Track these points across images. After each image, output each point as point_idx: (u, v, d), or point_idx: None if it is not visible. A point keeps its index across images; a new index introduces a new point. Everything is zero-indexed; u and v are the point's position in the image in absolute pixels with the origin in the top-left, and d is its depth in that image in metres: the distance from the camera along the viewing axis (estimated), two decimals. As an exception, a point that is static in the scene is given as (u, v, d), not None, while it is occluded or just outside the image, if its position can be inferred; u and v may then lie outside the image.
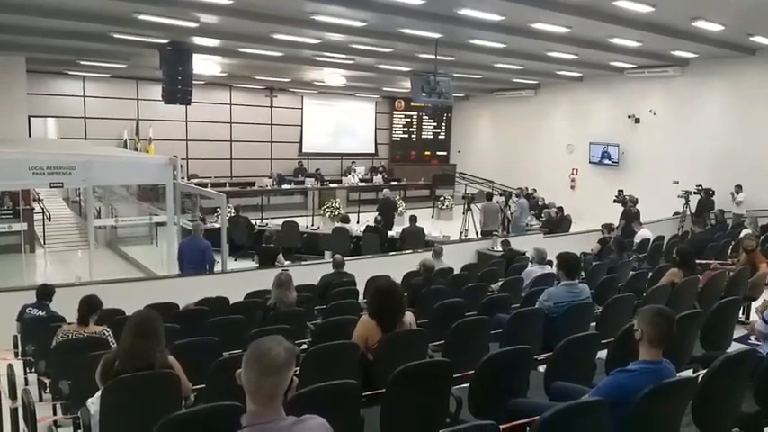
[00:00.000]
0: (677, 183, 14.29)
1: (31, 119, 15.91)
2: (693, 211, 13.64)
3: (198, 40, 12.40)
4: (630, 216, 12.02)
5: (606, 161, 17.46)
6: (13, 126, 13.99)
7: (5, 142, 11.56)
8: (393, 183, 21.24)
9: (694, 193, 13.66)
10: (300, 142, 22.29)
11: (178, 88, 12.84)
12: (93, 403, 3.13)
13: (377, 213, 13.94)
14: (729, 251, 9.01)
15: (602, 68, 15.82)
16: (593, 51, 13.12)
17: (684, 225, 13.54)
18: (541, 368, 3.99)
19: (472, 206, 13.42)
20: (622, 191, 14.05)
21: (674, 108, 15.68)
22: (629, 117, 16.69)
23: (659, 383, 2.63)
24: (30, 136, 15.63)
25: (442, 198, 18.95)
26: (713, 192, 13.58)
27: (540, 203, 17.14)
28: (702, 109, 14.94)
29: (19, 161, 9.22)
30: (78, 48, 13.12)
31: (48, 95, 17.33)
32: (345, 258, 8.16)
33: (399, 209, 16.14)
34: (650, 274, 6.99)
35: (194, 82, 13.41)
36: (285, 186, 18.89)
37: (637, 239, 10.72)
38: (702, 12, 9.84)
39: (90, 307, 4.86)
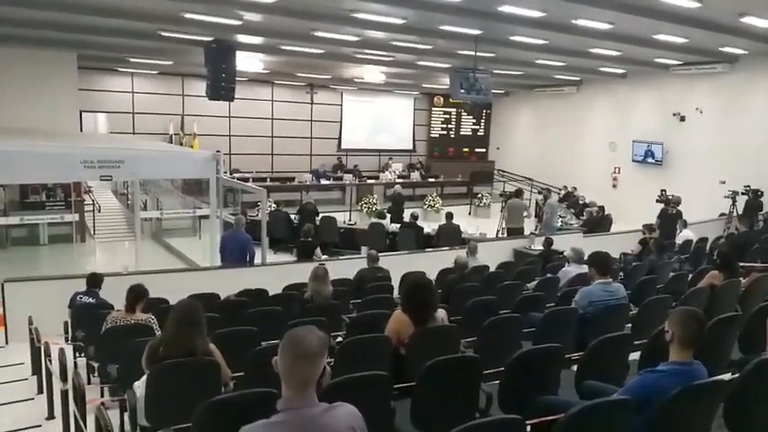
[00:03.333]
0: (724, 183, 13.90)
1: (83, 113, 16.52)
2: (741, 212, 13.25)
3: (241, 38, 12.68)
4: (667, 217, 11.73)
5: (650, 160, 17.07)
6: (65, 121, 14.51)
7: (58, 136, 12.03)
8: (430, 179, 21.26)
9: (742, 193, 13.26)
10: (339, 138, 22.50)
11: (222, 85, 13.14)
12: (139, 386, 3.31)
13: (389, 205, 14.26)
14: (776, 254, 8.73)
15: (646, 65, 15.47)
16: (637, 48, 12.83)
17: (731, 226, 13.16)
18: (574, 367, 4.00)
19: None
20: (665, 190, 13.74)
21: (721, 106, 15.22)
22: (673, 115, 16.28)
23: (688, 385, 2.63)
24: (81, 130, 16.20)
25: (480, 195, 18.88)
26: (762, 192, 13.16)
27: (580, 202, 16.90)
28: (751, 107, 14.45)
29: (71, 155, 9.56)
30: (128, 45, 13.57)
31: (98, 91, 17.96)
32: (381, 254, 8.26)
33: (432, 205, 16.12)
34: (690, 276, 6.87)
35: (237, 79, 13.69)
36: (323, 182, 19.12)
37: (679, 240, 10.49)
38: (750, 7, 9.55)
39: (136, 295, 5.07)
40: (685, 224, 11.35)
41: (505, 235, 12.47)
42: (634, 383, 2.78)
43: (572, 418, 2.35)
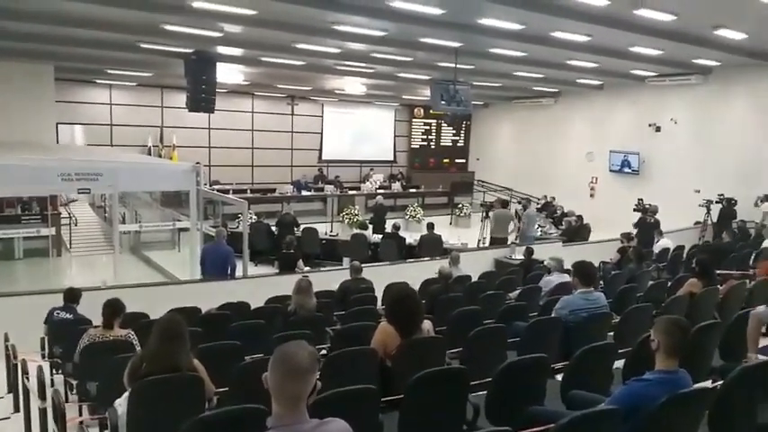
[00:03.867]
0: (698, 192, 14.14)
1: (59, 125, 16.28)
2: (715, 220, 13.50)
3: (222, 50, 12.63)
4: (645, 225, 11.89)
5: (626, 169, 17.34)
6: (42, 133, 14.32)
7: (34, 148, 11.84)
8: (411, 189, 21.32)
9: (716, 202, 13.50)
10: (320, 149, 22.50)
11: (202, 96, 13.08)
12: (121, 404, 3.24)
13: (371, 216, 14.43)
14: (751, 261, 8.90)
15: (622, 77, 15.74)
16: (614, 60, 13.07)
17: (705, 235, 13.39)
18: (559, 377, 4.02)
19: (490, 214, 13.40)
20: (642, 200, 13.95)
21: (695, 116, 15.54)
22: (649, 125, 16.59)
23: (675, 393, 2.66)
24: (57, 142, 15.97)
25: (461, 205, 18.97)
26: (735, 201, 13.41)
27: (559, 212, 17.07)
28: (725, 117, 14.79)
29: (48, 167, 9.42)
30: (106, 57, 13.44)
31: (75, 103, 17.75)
32: (364, 265, 8.24)
33: (414, 215, 16.17)
34: (669, 284, 6.96)
35: (217, 90, 13.64)
36: (305, 193, 19.06)
37: (656, 249, 10.63)
38: (725, 20, 9.78)
39: (113, 311, 4.95)
40: (661, 233, 11.51)
41: (489, 244, 12.53)
42: (622, 392, 2.80)
43: (562, 429, 2.36)
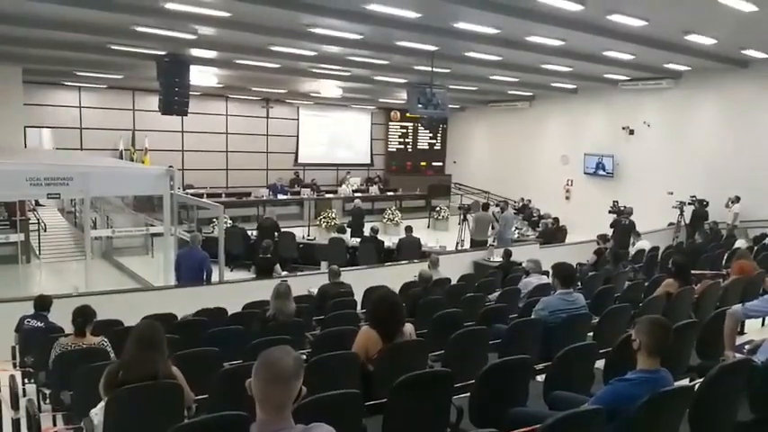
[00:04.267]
0: (672, 193, 14.41)
1: (27, 129, 15.92)
2: (687, 221, 13.76)
3: (195, 52, 12.48)
4: (621, 227, 12.07)
5: (601, 172, 17.59)
6: (9, 136, 13.99)
7: (2, 152, 11.55)
8: (389, 193, 21.32)
9: (688, 203, 13.78)
10: (296, 153, 22.38)
11: (175, 99, 12.89)
12: (97, 414, 3.14)
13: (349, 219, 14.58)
14: (724, 261, 9.08)
15: (596, 80, 15.99)
16: (588, 64, 13.28)
17: (679, 236, 13.64)
18: (540, 378, 4.03)
19: (468, 216, 13.47)
20: (617, 201, 14.17)
21: (667, 120, 15.84)
22: (623, 128, 16.85)
23: (657, 392, 2.68)
24: (25, 146, 15.61)
25: (438, 208, 19.03)
26: (707, 202, 13.70)
27: (535, 214, 17.24)
28: (696, 121, 15.12)
29: (16, 172, 9.19)
30: (75, 59, 13.16)
31: (44, 106, 17.36)
32: (342, 269, 8.19)
33: (392, 218, 16.18)
34: (646, 284, 7.05)
35: (191, 93, 13.46)
36: (281, 196, 18.91)
37: (633, 250, 10.78)
38: (695, 26, 10.00)
39: (85, 318, 4.83)
40: (638, 235, 11.69)
41: (469, 247, 12.58)
42: (605, 392, 2.81)
43: (548, 430, 2.35)
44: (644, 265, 9.95)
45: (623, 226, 12.10)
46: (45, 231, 14.65)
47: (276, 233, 12.68)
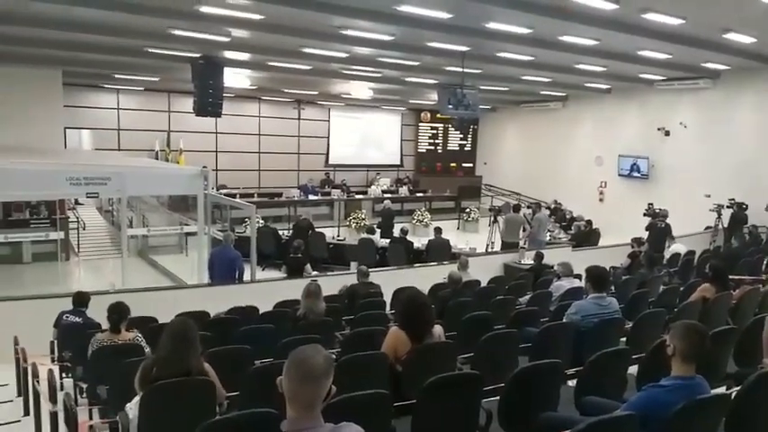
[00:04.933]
0: (709, 196, 14.03)
1: (67, 130, 16.36)
2: (726, 225, 13.39)
3: (229, 54, 12.67)
4: (656, 230, 11.81)
5: (635, 174, 17.23)
6: (50, 137, 14.34)
7: (43, 153, 11.89)
8: (418, 194, 21.30)
9: (727, 206, 13.40)
10: (327, 154, 22.52)
11: (209, 101, 13.07)
12: (132, 408, 3.22)
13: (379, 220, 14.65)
14: (764, 266, 8.82)
15: (631, 80, 15.68)
16: (622, 63, 13.02)
17: (716, 239, 13.28)
18: (571, 382, 3.98)
19: (498, 218, 13.36)
20: (652, 204, 13.84)
21: (705, 120, 15.44)
22: (658, 129, 16.48)
23: (692, 400, 2.62)
24: (65, 147, 16.04)
25: (468, 210, 18.92)
26: (746, 206, 13.30)
27: (567, 216, 17.00)
28: (734, 121, 14.68)
29: (57, 171, 9.45)
30: (113, 62, 13.47)
31: (83, 107, 17.80)
32: (371, 270, 8.21)
33: (421, 219, 16.17)
34: (681, 289, 6.90)
35: (224, 94, 13.66)
36: (311, 197, 19.06)
37: (668, 254, 10.55)
38: (733, 24, 9.73)
39: (119, 314, 5.01)
40: (673, 238, 11.43)
41: (500, 248, 12.48)
42: (638, 398, 2.76)
43: (579, 435, 2.33)
44: (679, 270, 9.72)
45: (659, 229, 11.82)
46: (84, 230, 15.06)
47: (310, 233, 12.80)
